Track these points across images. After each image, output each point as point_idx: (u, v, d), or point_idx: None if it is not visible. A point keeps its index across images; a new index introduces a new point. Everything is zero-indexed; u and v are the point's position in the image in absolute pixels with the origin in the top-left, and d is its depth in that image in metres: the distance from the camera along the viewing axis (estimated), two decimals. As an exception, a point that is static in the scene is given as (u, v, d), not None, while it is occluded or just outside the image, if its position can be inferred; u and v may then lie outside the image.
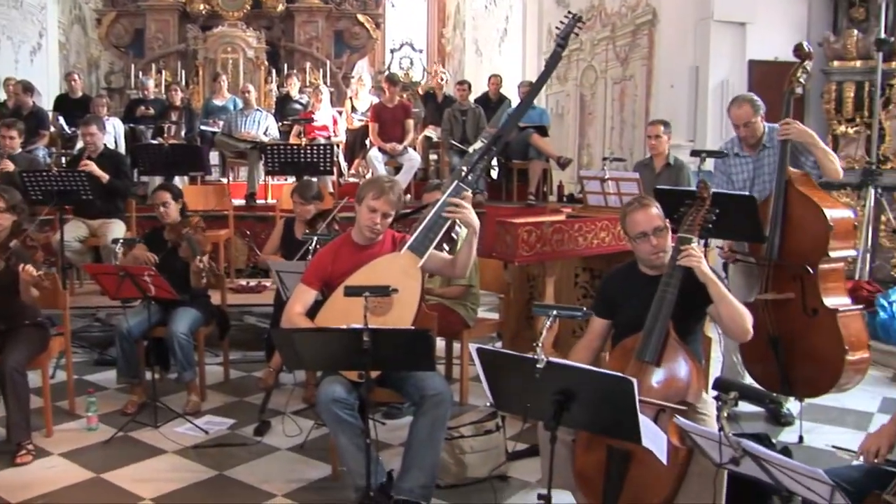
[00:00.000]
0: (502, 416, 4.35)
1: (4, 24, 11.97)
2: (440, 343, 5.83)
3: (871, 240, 8.01)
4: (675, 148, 7.38)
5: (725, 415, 2.60)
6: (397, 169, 9.93)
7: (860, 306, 4.92)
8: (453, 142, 9.83)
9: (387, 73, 12.68)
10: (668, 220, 3.66)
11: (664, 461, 2.96)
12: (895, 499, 2.65)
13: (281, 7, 14.78)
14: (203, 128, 10.50)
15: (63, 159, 8.88)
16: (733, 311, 3.45)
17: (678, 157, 6.81)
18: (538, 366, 2.75)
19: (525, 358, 2.84)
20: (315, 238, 5.12)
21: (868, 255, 7.96)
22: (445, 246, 4.01)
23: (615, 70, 11.44)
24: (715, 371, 5.19)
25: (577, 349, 3.79)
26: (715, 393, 4.09)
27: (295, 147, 8.65)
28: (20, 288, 4.53)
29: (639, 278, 3.64)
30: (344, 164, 10.97)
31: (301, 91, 11.96)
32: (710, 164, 5.40)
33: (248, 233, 8.88)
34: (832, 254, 4.61)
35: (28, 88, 9.48)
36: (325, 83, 13.24)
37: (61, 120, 9.99)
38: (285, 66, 14.24)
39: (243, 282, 7.67)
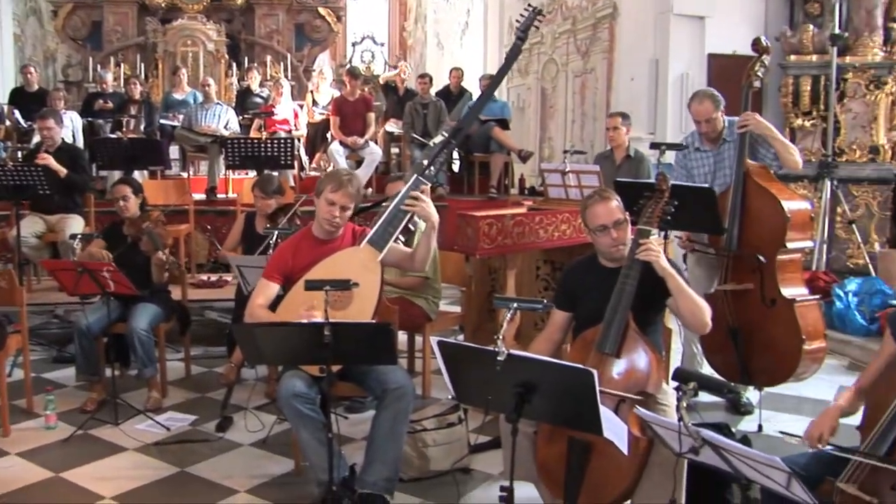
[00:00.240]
0: (465, 408, 4.36)
1: (-43, 16, 11.79)
2: (402, 337, 5.84)
3: (827, 231, 8.12)
4: (636, 140, 7.42)
5: (685, 405, 2.62)
6: (359, 163, 9.91)
7: (817, 296, 5.00)
8: (415, 135, 9.83)
9: (348, 66, 12.63)
10: (627, 213, 3.68)
11: (625, 452, 2.98)
12: (847, 486, 2.69)
13: (241, 0, 14.66)
14: (163, 122, 10.38)
15: (19, 153, 8.76)
16: (692, 304, 3.49)
17: (638, 149, 6.85)
18: (499, 358, 2.76)
19: (486, 350, 2.84)
20: (276, 232, 5.10)
21: (825, 246, 8.07)
22: (401, 237, 4.01)
23: (576, 63, 11.49)
24: (675, 362, 5.23)
25: (538, 341, 3.81)
26: (675, 383, 4.12)
27: (256, 141, 8.60)
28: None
29: (599, 270, 3.65)
30: (305, 158, 10.92)
31: (262, 85, 11.89)
32: (669, 156, 5.44)
33: (208, 227, 8.81)
34: (790, 245, 4.66)
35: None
36: (285, 77, 13.18)
37: (17, 114, 9.87)
38: (246, 59, 14.15)
39: (204, 277, 7.61)
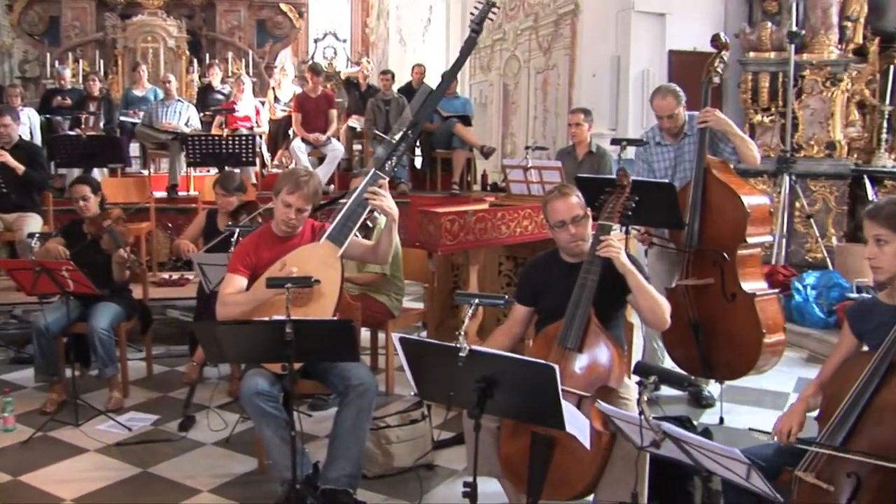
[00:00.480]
0: (428, 405, 4.37)
1: None
2: (365, 333, 5.83)
3: (786, 225, 8.24)
4: (598, 136, 7.47)
5: (646, 398, 2.64)
6: (321, 159, 9.89)
7: (776, 290, 5.05)
8: (377, 132, 9.81)
9: (310, 62, 12.55)
10: (589, 208, 3.70)
11: (587, 446, 3.00)
12: (805, 475, 2.74)
13: (202, -5, 14.57)
14: (123, 118, 10.29)
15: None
16: (651, 301, 3.51)
17: (600, 145, 6.88)
18: (461, 354, 2.77)
19: (447, 346, 2.85)
20: (237, 230, 5.06)
21: (784, 241, 8.19)
22: (358, 234, 4.01)
23: (538, 59, 11.53)
24: (637, 356, 5.28)
25: (497, 334, 3.83)
26: (637, 378, 4.16)
27: (217, 138, 8.54)
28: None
29: (560, 266, 3.68)
30: (267, 155, 10.87)
31: (223, 81, 11.80)
32: (631, 152, 5.48)
33: (170, 225, 8.74)
34: (750, 239, 4.71)
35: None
36: (247, 73, 13.05)
37: (-28, 111, 9.70)
38: (207, 55, 14.01)
39: (165, 275, 7.54)
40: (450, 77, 4.66)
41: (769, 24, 8.57)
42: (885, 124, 8.57)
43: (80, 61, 13.42)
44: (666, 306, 3.57)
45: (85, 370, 5.69)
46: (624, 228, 4.63)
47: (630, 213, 3.74)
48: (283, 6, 15.00)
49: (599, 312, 3.47)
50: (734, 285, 4.72)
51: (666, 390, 5.21)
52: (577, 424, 2.91)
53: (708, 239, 4.78)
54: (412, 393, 3.18)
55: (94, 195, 5.40)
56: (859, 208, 8.25)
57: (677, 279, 4.96)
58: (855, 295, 6.65)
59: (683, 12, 9.12)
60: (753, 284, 4.76)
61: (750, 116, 8.73)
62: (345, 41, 18.33)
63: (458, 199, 8.44)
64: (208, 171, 9.56)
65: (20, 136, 7.25)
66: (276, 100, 11.42)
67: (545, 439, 3.24)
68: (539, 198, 5.15)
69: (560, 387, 2.73)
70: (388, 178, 3.95)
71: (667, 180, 5.02)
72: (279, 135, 10.89)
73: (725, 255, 4.70)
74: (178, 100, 10.04)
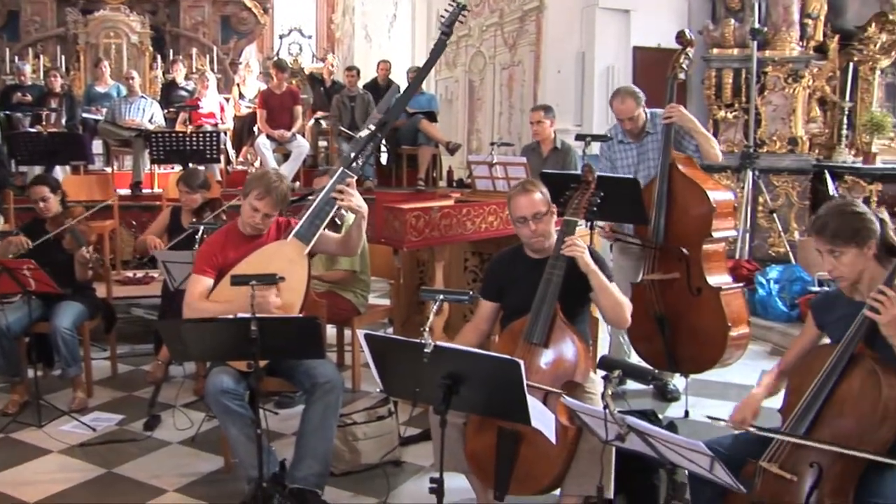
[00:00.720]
0: (395, 401, 4.37)
1: None
2: (331, 330, 5.82)
3: (749, 220, 8.32)
4: (563, 132, 7.49)
5: (610, 393, 2.66)
6: (286, 156, 9.84)
7: (741, 284, 5.09)
8: (342, 128, 9.79)
9: (275, 59, 12.49)
10: (554, 204, 3.72)
11: (553, 441, 3.02)
12: (769, 465, 2.78)
13: (166, -9, 14.44)
14: (85, 115, 10.17)
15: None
16: (613, 300, 3.54)
17: (565, 140, 6.91)
18: (426, 350, 2.77)
19: (413, 343, 2.85)
20: (202, 227, 5.03)
21: (747, 235, 8.27)
22: (328, 231, 4.00)
23: (503, 56, 11.55)
24: (602, 351, 5.31)
25: (464, 332, 3.83)
26: (603, 372, 4.18)
27: (181, 135, 8.49)
28: None
29: (525, 262, 3.69)
30: (232, 152, 10.82)
31: (187, 77, 11.73)
32: (595, 147, 5.50)
33: (133, 223, 8.66)
34: (715, 234, 4.75)
35: None
36: (211, 69, 12.96)
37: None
38: (171, 51, 13.89)
39: (130, 273, 7.47)
40: (420, 79, 4.68)
41: (732, 21, 8.65)
42: (844, 120, 8.70)
43: (41, 57, 13.25)
44: (627, 306, 3.60)
45: (48, 370, 5.63)
46: (589, 224, 4.65)
47: (595, 208, 3.76)
48: (247, 2, 14.92)
49: (565, 308, 3.48)
50: (699, 280, 4.75)
51: (632, 384, 5.25)
52: (542, 419, 2.92)
53: (674, 233, 4.81)
54: (378, 390, 3.19)
55: (53, 195, 5.33)
56: (821, 203, 8.35)
57: (643, 274, 4.99)
58: (817, 288, 6.73)
59: (648, 9, 9.17)
60: (718, 279, 4.80)
61: (714, 112, 8.80)
62: (310, 37, 18.27)
63: (423, 196, 8.43)
64: (172, 168, 9.50)
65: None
66: (241, 96, 11.36)
67: (511, 434, 3.25)
68: (504, 194, 5.15)
69: (526, 382, 2.74)
70: (356, 177, 3.95)
71: (630, 176, 5.05)
72: (244, 131, 10.82)
73: (690, 248, 4.73)
74: (142, 96, 9.95)
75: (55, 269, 4.97)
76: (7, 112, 9.87)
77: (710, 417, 3.17)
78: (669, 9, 9.16)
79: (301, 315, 3.78)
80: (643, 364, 4.91)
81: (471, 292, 3.32)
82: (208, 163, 8.61)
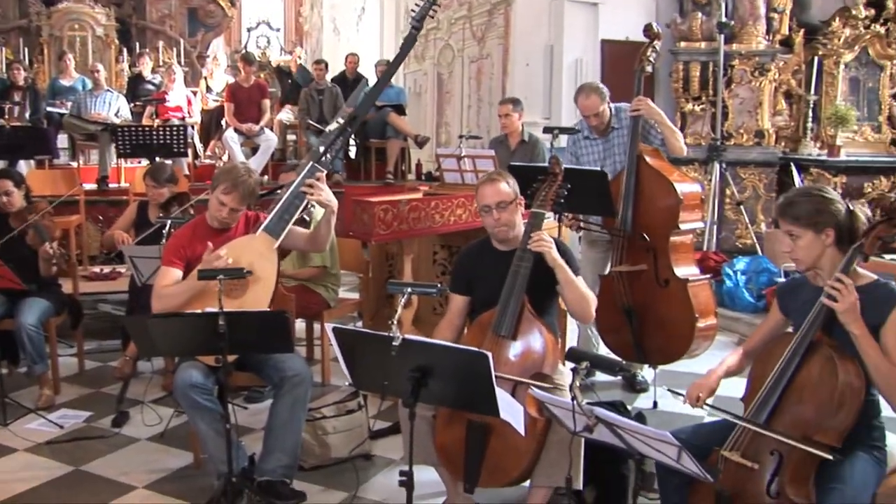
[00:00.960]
0: (364, 395, 4.37)
1: None
2: (301, 324, 5.81)
3: (717, 212, 8.39)
4: (532, 125, 7.51)
5: (578, 384, 2.67)
6: (254, 150, 9.80)
7: (708, 276, 5.13)
8: (310, 121, 9.76)
9: (243, 52, 12.42)
10: (522, 196, 3.73)
11: (522, 433, 3.03)
12: (731, 454, 2.81)
13: (132, -17, 14.32)
14: (50, 109, 10.05)
15: None
16: (578, 295, 3.56)
17: (533, 133, 6.92)
18: (394, 343, 2.77)
19: (381, 336, 2.85)
20: (169, 222, 5.00)
21: (714, 227, 8.34)
22: (305, 217, 3.99)
23: (472, 49, 11.54)
24: (571, 343, 5.34)
25: (440, 328, 3.82)
26: (572, 364, 4.20)
27: (148, 129, 8.43)
28: None
29: (492, 254, 3.69)
30: (199, 146, 10.76)
31: (154, 71, 11.64)
32: (563, 140, 5.52)
33: (100, 218, 8.58)
34: (682, 226, 4.77)
35: None
36: (178, 63, 12.88)
37: None
38: (137, 44, 13.81)
39: (96, 269, 7.41)
40: (390, 74, 4.67)
41: (699, 14, 8.70)
42: (810, 113, 8.79)
43: (3, 49, 13.09)
44: (592, 300, 3.63)
45: (13, 368, 5.56)
46: (557, 216, 4.66)
47: (562, 200, 3.77)
48: (215, -6, 14.83)
49: (533, 300, 3.50)
50: (667, 271, 4.78)
51: (601, 376, 5.29)
52: (511, 411, 2.93)
53: (642, 225, 4.83)
54: (347, 383, 3.19)
55: (17, 189, 5.27)
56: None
57: (611, 266, 5.02)
58: (783, 279, 6.79)
59: (616, 2, 9.21)
60: (686, 270, 4.83)
61: (681, 105, 8.86)
62: (278, 30, 18.13)
63: (392, 189, 8.42)
64: (139, 162, 9.43)
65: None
66: (209, 90, 11.28)
67: (480, 427, 3.26)
68: (473, 186, 5.15)
69: (494, 374, 2.75)
70: (325, 172, 3.94)
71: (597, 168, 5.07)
72: (211, 125, 10.76)
73: (657, 240, 4.76)
74: (108, 90, 9.87)
75: (19, 265, 4.92)
76: (-32, 106, 9.75)
77: (670, 390, 3.21)
78: (637, 2, 9.20)
79: (269, 309, 3.77)
80: (611, 355, 4.94)
81: (439, 285, 3.33)
82: (175, 157, 8.55)
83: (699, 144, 8.60)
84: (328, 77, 10.54)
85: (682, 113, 8.83)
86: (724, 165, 8.29)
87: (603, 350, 5.17)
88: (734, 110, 8.66)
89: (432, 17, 4.44)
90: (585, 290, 3.59)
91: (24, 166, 8.38)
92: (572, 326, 5.47)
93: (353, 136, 9.82)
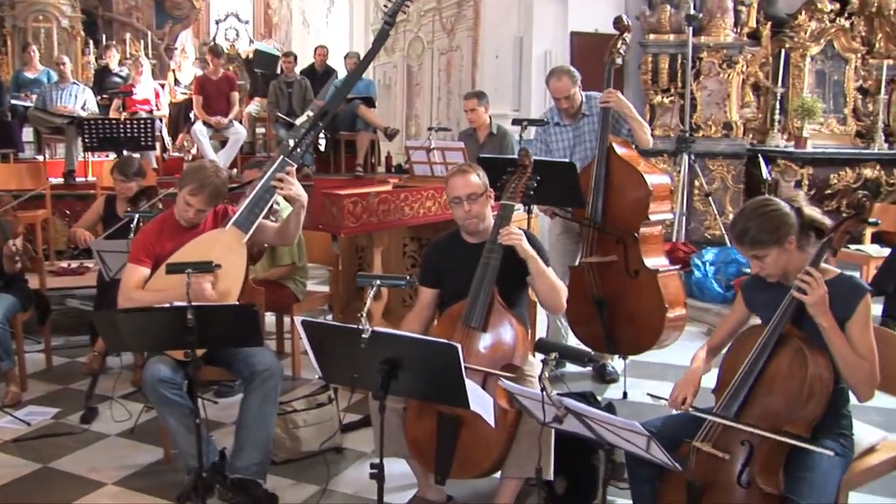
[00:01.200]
0: (335, 388, 4.36)
1: None
2: (271, 318, 5.79)
3: (686, 203, 8.45)
4: (501, 117, 7.52)
5: (547, 375, 2.68)
6: (223, 143, 9.75)
7: (677, 266, 5.17)
8: (280, 114, 9.71)
9: (211, 44, 12.32)
10: (491, 189, 3.73)
11: (492, 424, 3.04)
12: (703, 445, 2.83)
13: (98, -27, 14.16)
14: (14, 101, 9.93)
15: None
16: (549, 285, 3.57)
17: (501, 125, 6.93)
18: (363, 336, 2.76)
19: (350, 328, 2.84)
20: (137, 216, 4.96)
21: (683, 219, 8.40)
22: (270, 219, 3.98)
23: (442, 41, 11.54)
24: (541, 334, 5.36)
25: (408, 319, 3.83)
26: (542, 356, 4.22)
27: (115, 122, 8.34)
28: None
29: (462, 246, 3.70)
30: (168, 139, 10.67)
31: (121, 63, 11.54)
32: (532, 131, 5.53)
33: (67, 213, 8.50)
34: (652, 217, 4.80)
35: None
36: (146, 55, 12.76)
37: None
38: (103, 36, 13.63)
39: (64, 264, 7.33)
40: (361, 69, 4.67)
41: (668, 7, 8.77)
42: (777, 106, 8.89)
43: (-36, 41, 12.91)
44: (563, 291, 3.63)
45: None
46: (526, 208, 4.68)
47: (532, 192, 3.79)
48: (183, -14, 14.70)
49: (503, 291, 3.51)
50: (637, 262, 4.81)
51: (572, 367, 5.31)
52: (481, 403, 2.94)
53: (612, 216, 4.85)
54: (318, 376, 3.18)
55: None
56: (755, 186, 8.53)
57: (581, 257, 5.04)
58: (750, 270, 6.85)
59: (585, -6, 9.25)
60: (655, 261, 4.86)
61: (650, 97, 8.91)
62: (247, 22, 17.98)
63: (362, 182, 8.41)
64: (107, 155, 9.34)
65: None
66: (177, 82, 11.21)
67: (451, 419, 3.27)
68: (443, 179, 5.15)
69: (464, 366, 2.75)
70: (295, 166, 3.92)
71: (566, 160, 5.09)
72: (180, 118, 10.68)
73: (630, 230, 4.78)
74: (74, 82, 9.75)
75: (-17, 261, 4.86)
76: (-71, 99, 9.62)
77: (650, 395, 3.22)
78: (607, -6, 9.24)
79: (238, 303, 3.75)
80: (581, 346, 4.96)
81: (408, 277, 3.32)
82: (143, 150, 8.48)
83: (668, 136, 8.67)
84: (297, 70, 10.49)
85: (651, 105, 8.89)
86: (692, 157, 8.36)
87: (572, 341, 5.19)
88: (702, 102, 8.73)
89: (404, 13, 4.44)
90: (556, 281, 3.60)
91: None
92: (542, 318, 5.49)
93: (322, 130, 9.85)
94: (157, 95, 10.36)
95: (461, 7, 10.92)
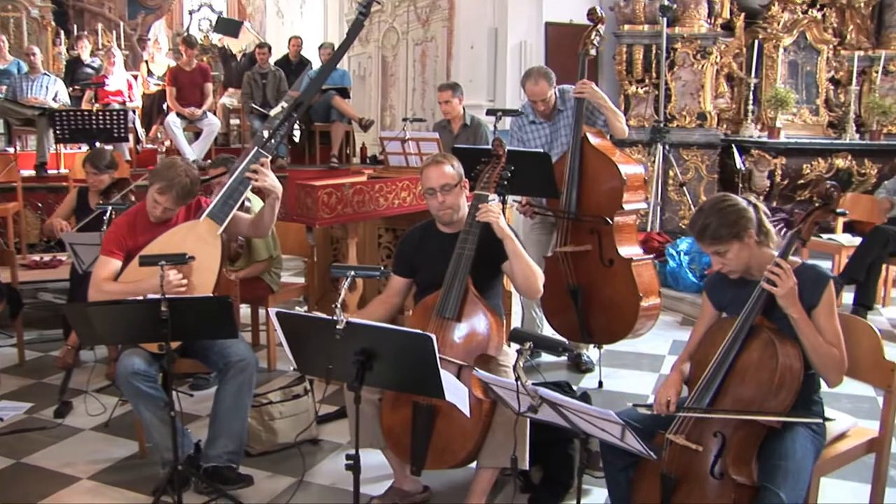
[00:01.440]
0: (310, 380, 4.36)
1: None
2: (246, 310, 5.77)
3: (660, 193, 8.50)
4: (476, 108, 7.53)
5: (522, 364, 2.69)
6: (197, 134, 9.69)
7: (651, 256, 5.19)
8: (254, 106, 9.67)
9: (184, 35, 12.22)
10: (466, 179, 3.73)
11: (467, 414, 3.05)
12: (676, 437, 2.85)
13: (68, -37, 14.00)
14: (-18, 93, 9.84)
15: None
16: (527, 268, 3.55)
17: (475, 116, 6.93)
18: (338, 327, 2.76)
19: (324, 319, 2.84)
20: (110, 208, 4.92)
21: (658, 208, 8.44)
22: (242, 212, 3.96)
23: (416, 32, 11.51)
24: (515, 324, 5.38)
25: (373, 304, 3.85)
26: (517, 346, 4.23)
27: (87, 113, 8.26)
28: None
29: (436, 236, 3.70)
30: (141, 131, 10.58)
31: (93, 54, 11.39)
32: (507, 122, 5.53)
33: (39, 205, 8.43)
34: (626, 206, 4.82)
35: None
36: (118, 46, 12.63)
37: None
38: (75, 27, 13.49)
39: (36, 257, 7.28)
40: (336, 60, 4.64)
41: (643, -3, 8.79)
42: (751, 96, 8.94)
43: (-70, 32, 12.73)
44: (540, 275, 3.62)
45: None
46: (501, 198, 4.69)
47: (506, 182, 3.79)
48: (155, -24, 14.58)
49: (477, 282, 3.51)
50: (611, 251, 4.83)
51: (547, 357, 5.33)
52: (456, 393, 2.94)
53: (586, 206, 4.87)
54: (293, 368, 3.17)
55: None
56: (729, 176, 8.59)
57: (555, 246, 5.05)
58: (712, 266, 6.89)
59: (560, -15, 9.26)
60: (630, 250, 4.88)
61: (625, 88, 8.95)
62: (220, 13, 17.90)
63: (336, 173, 8.38)
64: (79, 147, 9.25)
65: None
66: (150, 73, 11.11)
67: (427, 409, 3.28)
68: (417, 169, 5.15)
69: (439, 356, 2.76)
70: (270, 157, 3.90)
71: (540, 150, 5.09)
72: (153, 109, 10.60)
73: (606, 219, 4.79)
74: (45, 73, 9.65)
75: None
76: None
77: (636, 405, 3.22)
78: (583, -16, 9.25)
79: (213, 295, 3.73)
80: (556, 336, 4.98)
81: (382, 267, 3.32)
82: (116, 142, 8.43)
83: (643, 126, 8.71)
84: (271, 61, 10.44)
85: (625, 95, 8.93)
86: (667, 147, 8.40)
87: (548, 331, 5.20)
88: (677, 93, 8.77)
89: (378, 4, 4.42)
90: (533, 264, 3.58)
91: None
92: (516, 308, 5.51)
93: (297, 121, 9.82)
94: (130, 87, 10.28)
95: (436, -3, 10.92)
